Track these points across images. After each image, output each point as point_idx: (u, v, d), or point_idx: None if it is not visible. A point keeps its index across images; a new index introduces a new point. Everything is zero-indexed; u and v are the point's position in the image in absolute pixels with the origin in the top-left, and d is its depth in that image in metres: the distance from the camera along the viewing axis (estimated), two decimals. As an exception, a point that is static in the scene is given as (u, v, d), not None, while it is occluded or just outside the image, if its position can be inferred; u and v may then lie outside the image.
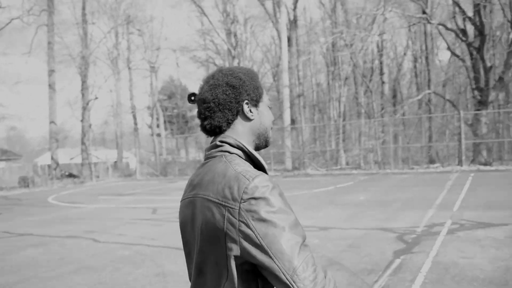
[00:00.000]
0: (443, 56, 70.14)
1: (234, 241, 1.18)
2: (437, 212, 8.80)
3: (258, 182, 1.20)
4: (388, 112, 26.71)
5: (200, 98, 1.39)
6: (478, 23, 21.12)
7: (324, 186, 15.14)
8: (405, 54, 38.33)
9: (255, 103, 1.40)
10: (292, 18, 27.17)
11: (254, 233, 1.15)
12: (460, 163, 19.20)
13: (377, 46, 34.79)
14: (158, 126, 42.53)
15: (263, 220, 1.15)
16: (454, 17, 23.99)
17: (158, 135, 40.70)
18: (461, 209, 8.90)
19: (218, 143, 1.35)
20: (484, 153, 21.26)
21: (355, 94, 30.01)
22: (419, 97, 23.80)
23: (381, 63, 34.41)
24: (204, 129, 1.40)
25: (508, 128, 26.00)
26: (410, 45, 36.73)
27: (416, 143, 26.77)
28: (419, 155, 24.97)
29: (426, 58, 33.24)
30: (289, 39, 25.68)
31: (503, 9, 21.72)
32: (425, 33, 32.58)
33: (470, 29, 24.13)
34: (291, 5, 27.40)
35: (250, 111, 1.38)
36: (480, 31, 21.19)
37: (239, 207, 1.17)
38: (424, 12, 23.60)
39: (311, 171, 22.02)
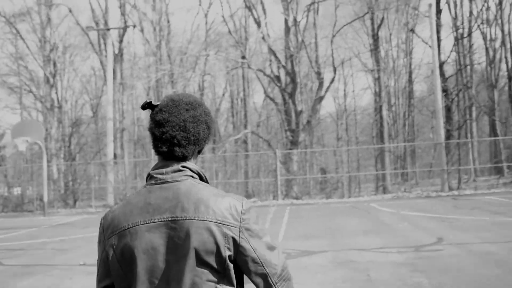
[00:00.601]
0: (259, 98, 75.76)
1: (235, 255, 1.37)
2: (266, 243, 9.49)
3: (248, 204, 1.43)
4: (209, 149, 27.75)
5: (178, 125, 1.44)
6: (290, 72, 23.62)
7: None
8: (223, 94, 40.58)
9: None
10: (117, 51, 26.84)
11: (253, 247, 1.38)
12: (276, 197, 20.87)
13: (199, 86, 36.20)
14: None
15: (256, 236, 1.40)
16: (270, 64, 26.44)
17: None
18: (285, 239, 9.76)
19: (181, 168, 1.43)
20: (295, 188, 23.49)
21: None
22: (239, 135, 25.41)
23: (202, 101, 35.76)
24: (170, 153, 1.43)
25: (312, 166, 29.17)
26: (228, 87, 39.02)
27: (234, 179, 28.28)
28: (238, 190, 26.40)
29: (243, 99, 35.71)
30: (113, 72, 25.28)
31: (310, 61, 24.70)
32: (243, 76, 35.02)
33: (284, 76, 26.82)
34: (117, 38, 27.12)
35: None
36: (292, 78, 23.72)
37: (240, 225, 1.38)
38: (243, 57, 25.54)
39: (135, 207, 21.60)
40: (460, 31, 31.53)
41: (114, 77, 25.58)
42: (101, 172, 27.26)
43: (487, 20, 31.89)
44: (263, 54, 33.25)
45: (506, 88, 33.81)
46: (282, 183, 22.20)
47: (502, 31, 29.67)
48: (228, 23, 26.67)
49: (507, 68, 30.16)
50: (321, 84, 24.70)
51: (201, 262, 1.34)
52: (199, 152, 1.53)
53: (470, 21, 31.86)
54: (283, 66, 23.88)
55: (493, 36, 32.22)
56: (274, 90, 32.20)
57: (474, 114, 32.72)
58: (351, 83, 71.97)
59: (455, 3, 31.92)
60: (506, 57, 29.69)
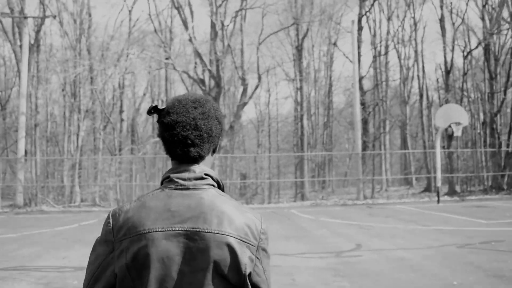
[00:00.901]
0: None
1: (249, 274, 1.32)
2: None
3: (265, 223, 1.39)
4: (129, 150, 26.94)
5: (189, 124, 1.37)
6: (216, 76, 23.55)
7: (67, 224, 14.26)
8: (144, 94, 39.61)
9: None
10: (33, 41, 25.29)
11: (263, 268, 1.36)
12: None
13: (119, 84, 35.08)
14: None
15: (268, 257, 1.38)
16: (195, 67, 26.21)
17: None
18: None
19: (204, 175, 1.36)
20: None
21: (96, 129, 29.40)
22: (161, 137, 24.83)
23: (121, 101, 34.73)
24: (186, 155, 1.37)
25: (232, 171, 29.27)
26: (149, 87, 38.16)
27: (153, 181, 27.66)
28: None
29: (165, 101, 35.07)
30: (28, 64, 23.73)
31: (236, 67, 24.79)
32: (166, 78, 34.44)
33: (208, 79, 26.67)
34: (33, 27, 25.55)
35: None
36: (218, 83, 23.65)
37: (258, 245, 1.34)
38: (167, 58, 25.07)
39: (46, 207, 20.41)
40: (378, 48, 33.24)
41: (29, 69, 24.10)
42: (7, 170, 25.55)
43: (402, 40, 33.89)
44: (186, 56, 32.96)
45: (417, 104, 36.07)
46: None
47: (416, 51, 31.62)
48: (154, 22, 26.14)
49: (418, 85, 32.16)
50: (245, 90, 24.86)
51: (218, 277, 1.29)
52: (214, 151, 1.46)
53: (387, 40, 33.70)
54: (209, 70, 23.75)
55: (407, 55, 34.30)
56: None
57: (387, 128, 34.53)
58: (274, 91, 73.37)
59: (374, 21, 33.60)
60: (418, 76, 31.64)
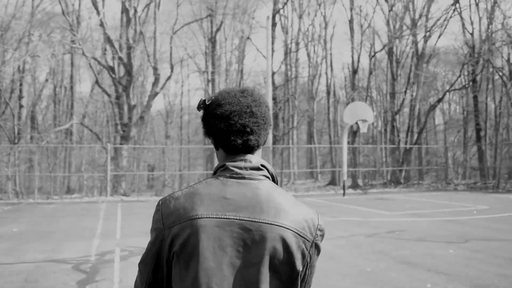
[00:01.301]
0: (86, 87, 71.65)
1: (302, 269, 1.27)
2: (103, 240, 9.00)
3: (322, 221, 1.34)
4: (30, 138, 25.30)
5: (245, 112, 1.33)
6: (127, 64, 22.79)
7: (-40, 217, 13.09)
8: (47, 80, 37.32)
9: None
10: None
11: (314, 265, 1.32)
12: (104, 193, 19.89)
13: (19, 68, 32.71)
14: None
15: (317, 255, 1.33)
16: (104, 53, 25.15)
17: None
18: (124, 237, 9.37)
19: (260, 166, 1.32)
20: (123, 184, 22.69)
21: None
22: (67, 126, 23.60)
23: (21, 86, 32.45)
24: (245, 144, 1.33)
25: (141, 162, 28.56)
26: (52, 73, 36.04)
27: (59, 172, 26.22)
28: (61, 184, 24.54)
29: (70, 87, 33.32)
30: None
31: (148, 56, 24.14)
32: (72, 63, 32.70)
33: (117, 67, 25.72)
34: None
35: None
36: (129, 71, 22.90)
37: (313, 241, 1.29)
38: (73, 42, 23.79)
39: None
40: (289, 45, 34.09)
41: None
42: None
43: (312, 39, 35.06)
44: (93, 42, 31.58)
45: (324, 101, 37.56)
46: (110, 179, 21.26)
47: (325, 49, 32.88)
48: (61, 3, 24.63)
49: (326, 83, 33.51)
50: (157, 80, 24.31)
51: (271, 273, 1.22)
52: (264, 141, 1.40)
53: (298, 38, 34.67)
54: (120, 58, 22.92)
55: (316, 53, 35.53)
56: (104, 81, 30.76)
57: (295, 123, 35.61)
58: (185, 82, 72.49)
59: (286, 18, 34.39)
60: (326, 73, 32.94)
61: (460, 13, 28.38)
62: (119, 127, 24.26)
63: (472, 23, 29.09)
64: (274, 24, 29.72)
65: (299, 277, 1.27)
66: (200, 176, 31.61)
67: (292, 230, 1.24)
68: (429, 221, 11.75)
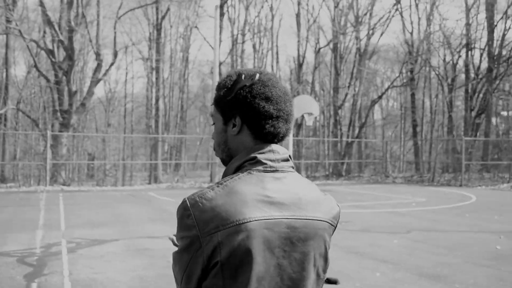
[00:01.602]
0: (21, 71, 68.30)
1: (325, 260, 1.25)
2: (47, 232, 8.68)
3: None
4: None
5: (289, 99, 1.25)
6: (69, 48, 21.92)
7: None
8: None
9: None
10: None
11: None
12: (45, 183, 19.12)
13: None
14: None
15: None
16: (43, 36, 24.05)
17: None
18: (69, 228, 9.07)
19: (288, 157, 1.25)
20: (63, 174, 21.92)
21: None
22: (2, 111, 22.41)
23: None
24: (286, 132, 1.26)
25: (81, 151, 27.67)
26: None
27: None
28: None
29: (5, 70, 31.62)
30: None
31: (90, 40, 23.34)
32: (6, 45, 31.00)
33: (57, 51, 24.67)
34: None
35: None
36: (70, 55, 22.04)
37: (334, 229, 1.27)
38: (8, 21, 22.58)
39: None
40: (235, 36, 34.03)
41: None
42: None
43: (259, 31, 35.19)
44: (29, 23, 30.12)
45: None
46: (49, 168, 20.48)
47: (271, 42, 33.10)
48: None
49: (272, 75, 33.70)
50: (99, 65, 23.58)
51: (313, 269, 1.20)
52: None
53: (244, 29, 34.68)
54: (60, 41, 21.99)
55: (262, 45, 35.72)
56: (42, 66, 29.46)
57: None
58: (128, 70, 70.75)
59: (234, 8, 34.28)
60: (272, 66, 33.19)
61: (401, 13, 29.46)
62: (58, 114, 23.32)
63: (412, 23, 30.27)
64: (222, 14, 29.55)
65: (325, 265, 1.26)
66: (142, 166, 31.03)
67: (327, 222, 1.23)
68: (372, 212, 12.20)
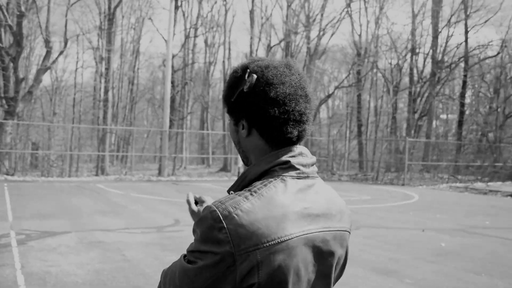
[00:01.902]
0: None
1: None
2: (-6, 223, 8.54)
3: None
4: None
5: (301, 95, 1.11)
6: (17, 33, 21.19)
7: None
8: None
9: None
10: None
11: None
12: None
13: None
14: None
15: None
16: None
17: None
18: (17, 220, 8.94)
19: (315, 161, 1.14)
20: (7, 163, 21.20)
21: None
22: None
23: None
24: (300, 135, 1.12)
25: (25, 140, 26.78)
26: None
27: None
28: None
29: None
30: None
31: (40, 26, 22.63)
32: None
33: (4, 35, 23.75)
34: None
35: None
36: (19, 41, 21.32)
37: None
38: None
39: None
40: (188, 30, 33.90)
41: None
42: None
43: (211, 26, 35.21)
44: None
45: (220, 87, 38.00)
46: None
47: (224, 37, 33.24)
48: None
49: (223, 70, 33.90)
50: (48, 53, 22.93)
51: (334, 281, 1.14)
52: None
53: (197, 23, 34.62)
54: (9, 26, 21.20)
55: (214, 40, 35.77)
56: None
57: (190, 108, 35.63)
58: (76, 59, 68.79)
59: (188, 2, 34.11)
60: (223, 61, 33.33)
61: (351, 15, 30.35)
62: (3, 101, 22.49)
63: (361, 26, 31.28)
64: (176, 7, 29.37)
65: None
66: (88, 157, 30.38)
67: (348, 231, 1.16)
68: (318, 209, 12.64)
